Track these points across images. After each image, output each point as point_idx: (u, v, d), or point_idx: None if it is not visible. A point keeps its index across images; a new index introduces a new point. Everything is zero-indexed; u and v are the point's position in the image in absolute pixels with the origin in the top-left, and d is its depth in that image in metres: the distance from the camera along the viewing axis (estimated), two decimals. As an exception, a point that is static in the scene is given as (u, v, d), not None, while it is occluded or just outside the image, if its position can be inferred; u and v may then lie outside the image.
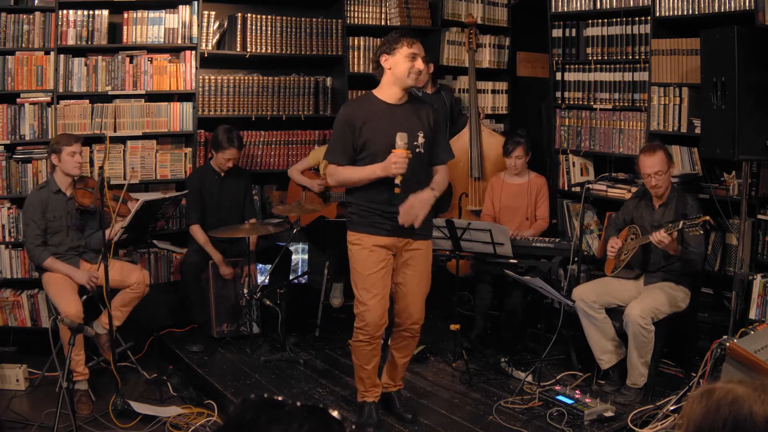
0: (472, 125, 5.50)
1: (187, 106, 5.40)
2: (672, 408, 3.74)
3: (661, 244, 3.94)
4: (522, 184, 5.12)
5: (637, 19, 5.12)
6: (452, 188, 5.61)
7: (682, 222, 3.85)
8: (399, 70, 3.62)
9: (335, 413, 1.28)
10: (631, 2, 5.11)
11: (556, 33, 5.70)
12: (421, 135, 3.68)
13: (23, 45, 4.92)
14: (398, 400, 3.99)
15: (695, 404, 1.48)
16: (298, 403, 1.28)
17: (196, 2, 5.30)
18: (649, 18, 4.97)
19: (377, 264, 3.66)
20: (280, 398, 1.30)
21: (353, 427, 1.30)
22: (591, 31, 5.46)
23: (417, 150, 3.66)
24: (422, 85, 5.52)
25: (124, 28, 5.16)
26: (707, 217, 3.78)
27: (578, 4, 5.50)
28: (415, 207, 3.57)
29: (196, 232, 4.99)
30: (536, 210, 5.10)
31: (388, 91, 3.69)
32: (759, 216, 4.47)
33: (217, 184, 5.08)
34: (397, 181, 3.52)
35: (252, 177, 5.46)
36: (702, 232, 3.89)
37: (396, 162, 3.50)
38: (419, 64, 3.61)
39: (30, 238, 4.42)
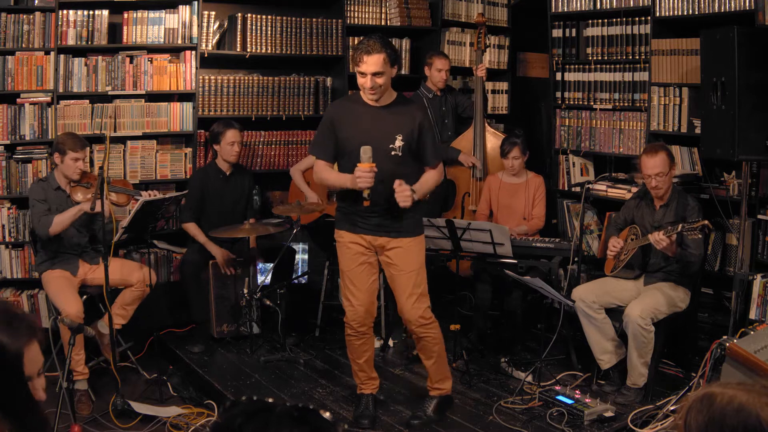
0: (477, 126, 5.50)
1: (187, 106, 5.39)
2: (672, 408, 3.74)
3: (659, 244, 3.94)
4: (520, 184, 5.11)
5: (637, 19, 5.12)
6: (456, 188, 5.62)
7: (681, 225, 3.85)
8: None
9: (327, 414, 1.27)
10: (631, 2, 5.10)
11: (556, 33, 5.70)
12: (400, 138, 3.63)
13: (23, 45, 4.92)
14: (428, 403, 3.88)
15: (695, 413, 1.41)
16: (288, 403, 1.27)
17: (196, 2, 5.29)
18: (649, 18, 4.97)
19: (355, 259, 3.73)
20: (270, 400, 1.28)
21: (345, 427, 1.28)
22: (591, 31, 5.46)
23: (393, 153, 3.62)
24: (437, 89, 5.52)
25: (124, 28, 5.16)
26: (706, 221, 3.78)
27: (578, 4, 5.49)
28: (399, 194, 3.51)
29: (190, 228, 4.99)
30: (532, 209, 5.10)
31: None
32: (759, 216, 4.47)
33: (221, 184, 5.07)
34: (365, 194, 3.52)
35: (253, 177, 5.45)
36: (701, 236, 3.89)
37: (360, 177, 3.47)
38: (363, 82, 3.54)
39: (36, 215, 4.34)
